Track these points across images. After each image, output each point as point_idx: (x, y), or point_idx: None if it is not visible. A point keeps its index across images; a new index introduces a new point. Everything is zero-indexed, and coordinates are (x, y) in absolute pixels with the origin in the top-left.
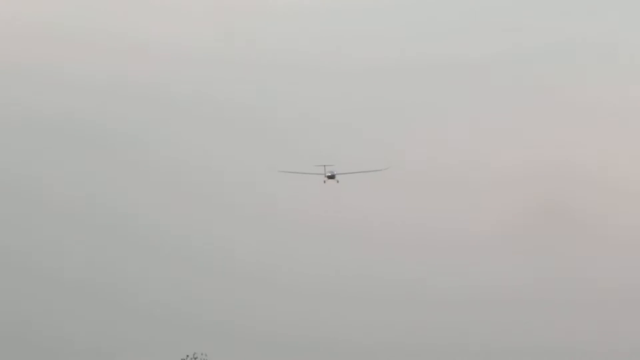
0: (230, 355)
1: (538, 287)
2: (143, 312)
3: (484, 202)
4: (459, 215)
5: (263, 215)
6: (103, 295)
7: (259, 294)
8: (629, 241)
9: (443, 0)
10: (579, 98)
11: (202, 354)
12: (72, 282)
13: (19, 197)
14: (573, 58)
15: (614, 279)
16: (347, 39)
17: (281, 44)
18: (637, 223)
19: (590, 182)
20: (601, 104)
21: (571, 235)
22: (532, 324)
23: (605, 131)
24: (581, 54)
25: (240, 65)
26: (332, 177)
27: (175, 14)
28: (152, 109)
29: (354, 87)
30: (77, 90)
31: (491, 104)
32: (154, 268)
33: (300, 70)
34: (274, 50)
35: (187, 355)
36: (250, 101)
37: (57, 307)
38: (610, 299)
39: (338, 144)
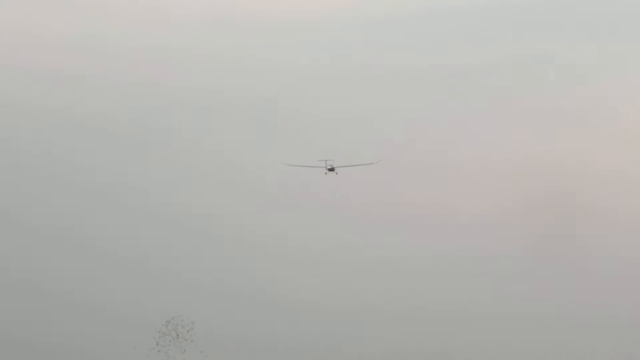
0: (223, 317)
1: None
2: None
3: (470, 189)
4: (445, 199)
5: (274, 199)
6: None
7: (264, 262)
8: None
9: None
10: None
11: (187, 317)
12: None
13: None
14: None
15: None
16: (345, 50)
17: (287, 55)
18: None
19: (568, 173)
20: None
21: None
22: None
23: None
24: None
25: (248, 74)
26: (332, 169)
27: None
28: (180, 111)
29: (352, 92)
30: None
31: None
32: (179, 240)
33: (305, 79)
34: (279, 60)
35: (172, 317)
36: (268, 106)
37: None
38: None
39: (337, 142)
